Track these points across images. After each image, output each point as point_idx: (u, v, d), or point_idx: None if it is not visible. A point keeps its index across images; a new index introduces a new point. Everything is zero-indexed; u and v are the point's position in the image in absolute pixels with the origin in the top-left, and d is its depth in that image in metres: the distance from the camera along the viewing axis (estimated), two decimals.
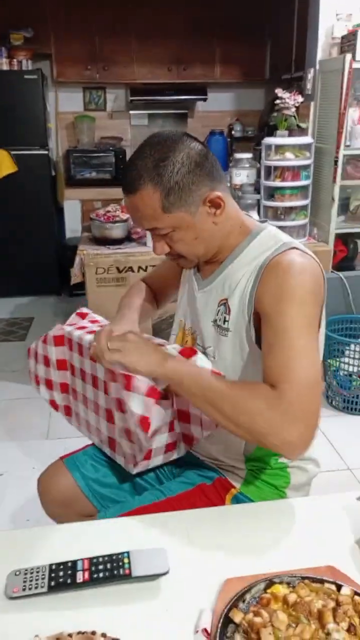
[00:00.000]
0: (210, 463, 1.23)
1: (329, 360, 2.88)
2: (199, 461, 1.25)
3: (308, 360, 0.94)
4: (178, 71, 4.67)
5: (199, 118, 5.13)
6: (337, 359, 2.87)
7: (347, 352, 2.85)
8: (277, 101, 3.00)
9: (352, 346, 2.82)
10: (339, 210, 3.09)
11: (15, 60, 4.22)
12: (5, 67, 4.20)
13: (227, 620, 0.74)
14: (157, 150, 1.02)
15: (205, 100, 4.86)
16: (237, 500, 1.16)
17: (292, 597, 0.76)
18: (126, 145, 4.93)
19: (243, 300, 1.07)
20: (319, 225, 3.21)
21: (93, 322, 1.32)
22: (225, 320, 1.10)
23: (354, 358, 2.81)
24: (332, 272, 3.06)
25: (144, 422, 1.02)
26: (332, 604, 0.75)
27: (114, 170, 4.63)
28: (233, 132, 5.00)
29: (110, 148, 4.69)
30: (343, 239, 3.24)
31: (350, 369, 2.84)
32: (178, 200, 1.02)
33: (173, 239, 1.08)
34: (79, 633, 0.70)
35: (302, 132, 3.07)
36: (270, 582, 0.80)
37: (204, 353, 1.15)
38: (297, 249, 1.05)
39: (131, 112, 4.98)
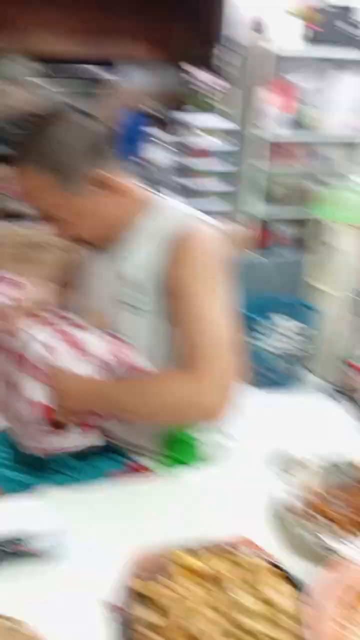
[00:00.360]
0: (121, 446, 1.19)
1: (245, 338, 2.92)
2: (109, 445, 1.21)
3: (218, 326, 0.95)
4: (90, 44, 4.52)
5: (111, 94, 4.99)
6: (254, 338, 2.92)
7: (262, 331, 2.91)
8: (194, 81, 2.98)
9: (268, 324, 2.88)
10: (261, 194, 3.12)
11: None
12: None
13: (134, 593, 0.71)
14: (40, 124, 1.00)
15: (118, 76, 4.74)
16: None
17: (201, 566, 0.74)
18: (31, 119, 4.72)
19: (152, 276, 1.03)
20: (240, 209, 3.23)
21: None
22: (138, 300, 1.06)
23: (270, 337, 2.87)
24: (251, 255, 3.10)
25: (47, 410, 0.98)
26: (241, 572, 0.74)
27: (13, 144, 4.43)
28: (147, 110, 4.90)
29: (17, 120, 4.47)
30: (264, 223, 3.29)
31: (266, 347, 2.90)
32: (57, 177, 0.97)
33: (53, 216, 1.03)
34: None
35: (220, 113, 3.07)
36: (178, 553, 0.78)
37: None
38: (200, 221, 1.04)
39: (36, 80, 4.76)
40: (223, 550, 0.79)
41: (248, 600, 0.69)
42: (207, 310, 0.96)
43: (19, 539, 0.79)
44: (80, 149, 0.98)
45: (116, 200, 1.05)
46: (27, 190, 1.01)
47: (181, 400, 0.94)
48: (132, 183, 1.10)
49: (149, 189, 1.15)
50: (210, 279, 0.98)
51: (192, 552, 0.78)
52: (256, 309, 3.08)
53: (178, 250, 1.00)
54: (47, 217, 1.05)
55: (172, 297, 1.00)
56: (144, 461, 1.16)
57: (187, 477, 1.05)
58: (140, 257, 1.05)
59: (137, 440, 1.16)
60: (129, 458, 1.17)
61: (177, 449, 1.15)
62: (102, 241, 1.12)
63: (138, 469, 1.15)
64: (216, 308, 0.96)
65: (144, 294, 1.05)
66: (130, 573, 0.74)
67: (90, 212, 1.04)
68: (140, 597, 0.71)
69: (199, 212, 1.08)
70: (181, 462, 1.15)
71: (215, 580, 0.72)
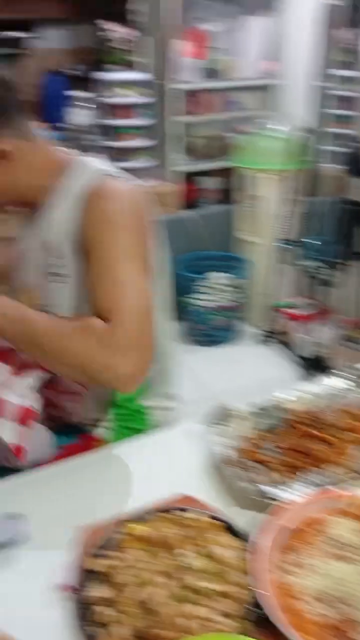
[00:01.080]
0: (74, 420, 1.18)
1: (181, 298, 2.94)
2: (62, 420, 1.20)
3: (134, 288, 0.92)
4: (3, 8, 4.25)
5: (31, 57, 4.76)
6: (191, 296, 2.94)
7: (199, 289, 2.93)
8: (110, 37, 2.87)
9: (203, 282, 2.90)
10: (182, 148, 3.08)
11: None
12: None
13: (85, 572, 0.72)
14: None
15: (37, 38, 4.50)
16: None
17: (148, 533, 0.76)
18: None
19: (69, 238, 1.00)
20: (164, 165, 3.19)
21: None
22: (59, 266, 1.03)
23: (205, 294, 2.90)
24: (180, 211, 3.09)
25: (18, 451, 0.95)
26: (187, 532, 0.76)
27: None
28: (68, 71, 4.72)
29: None
30: (188, 177, 3.27)
31: (204, 304, 2.92)
32: None
33: None
34: None
35: (139, 67, 2.99)
36: (124, 522, 0.79)
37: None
38: (112, 175, 1.01)
39: None
40: (167, 513, 0.80)
41: (195, 560, 0.71)
42: (121, 271, 0.92)
43: None
44: None
45: (27, 166, 1.01)
46: None
47: (93, 352, 0.87)
48: (47, 147, 1.06)
49: (68, 150, 1.11)
50: (124, 237, 0.94)
51: (138, 519, 0.79)
52: (189, 267, 3.09)
53: (90, 207, 0.97)
54: None
55: (87, 257, 0.97)
56: (98, 433, 1.16)
57: (129, 445, 1.05)
58: (58, 220, 1.02)
59: (89, 413, 1.15)
60: (83, 431, 1.16)
61: (129, 418, 1.16)
62: (25, 211, 1.08)
63: (93, 441, 1.15)
64: (131, 268, 0.93)
65: (63, 259, 1.02)
66: (80, 551, 0.75)
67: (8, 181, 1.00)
68: (93, 574, 0.72)
69: (117, 168, 1.05)
70: (135, 431, 1.16)
71: (163, 545, 0.74)
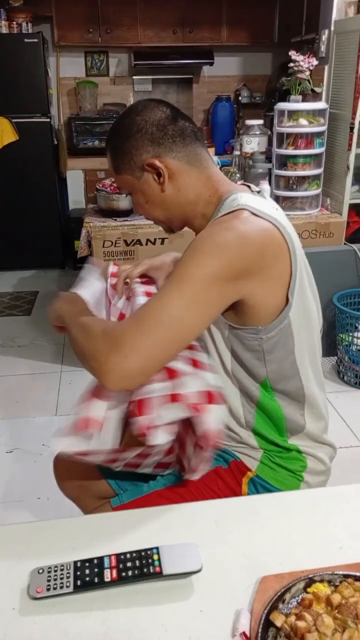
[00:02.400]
0: (224, 445, 1.18)
1: (340, 335, 2.82)
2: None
3: (165, 305, 0.90)
4: (183, 34, 4.49)
5: (204, 83, 4.96)
6: (350, 334, 2.81)
7: (359, 327, 2.79)
8: (290, 64, 2.87)
9: None
10: (353, 179, 2.98)
11: (14, 23, 4.05)
12: (4, 30, 4.04)
13: (267, 624, 0.69)
14: (121, 116, 1.09)
15: (211, 64, 4.68)
16: (253, 483, 1.12)
17: (337, 598, 0.71)
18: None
19: None
20: (332, 195, 3.11)
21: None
22: None
23: None
24: (345, 244, 2.98)
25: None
26: None
27: None
28: (240, 98, 4.84)
29: (114, 115, 4.54)
30: (357, 209, 3.15)
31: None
32: (122, 163, 1.07)
33: (132, 200, 1.13)
34: None
35: (316, 97, 2.95)
36: (310, 581, 0.75)
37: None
38: (248, 210, 0.98)
39: (134, 77, 4.82)
40: (357, 579, 0.75)
41: None
42: (169, 289, 0.92)
43: (147, 556, 0.78)
44: (139, 137, 1.04)
45: (182, 189, 1.07)
46: (111, 173, 1.12)
47: (85, 347, 0.93)
48: (212, 176, 1.09)
49: (233, 181, 1.15)
50: (196, 262, 0.92)
51: (325, 580, 0.75)
52: (352, 303, 2.97)
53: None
54: (140, 211, 1.14)
55: None
56: (247, 461, 1.15)
57: (303, 494, 1.01)
58: None
59: (242, 439, 1.14)
60: (232, 455, 1.16)
61: (280, 455, 1.13)
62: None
63: (241, 469, 1.14)
64: (179, 295, 0.90)
65: None
66: (266, 603, 0.72)
67: (157, 199, 1.08)
68: (273, 627, 0.69)
69: (267, 205, 1.03)
70: (286, 470, 1.12)
71: (357, 616, 0.69)
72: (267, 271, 0.97)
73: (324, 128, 2.88)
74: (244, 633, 0.70)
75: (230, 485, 1.13)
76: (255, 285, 0.96)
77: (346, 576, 0.75)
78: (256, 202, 1.01)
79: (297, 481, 1.13)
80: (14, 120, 4.13)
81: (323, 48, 3.17)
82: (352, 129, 2.86)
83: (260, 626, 0.69)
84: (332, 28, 3.05)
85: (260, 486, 1.12)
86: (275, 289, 1.00)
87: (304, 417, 1.12)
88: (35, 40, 4.02)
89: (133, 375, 0.89)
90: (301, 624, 0.67)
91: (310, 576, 0.75)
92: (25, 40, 4.03)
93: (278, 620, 0.69)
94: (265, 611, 0.71)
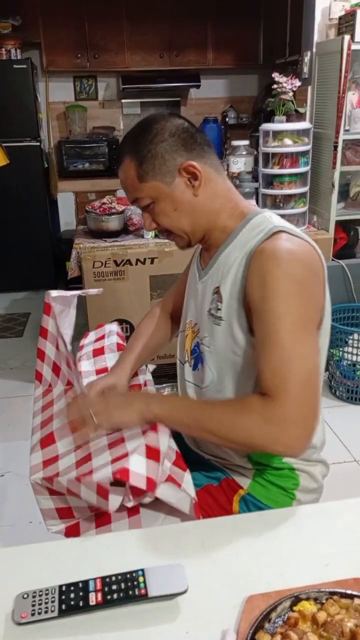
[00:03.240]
0: (216, 462, 1.18)
1: (331, 350, 2.83)
2: (204, 460, 1.20)
3: (300, 359, 0.90)
4: (170, 58, 4.58)
5: (192, 105, 5.04)
6: (340, 349, 2.82)
7: (350, 342, 2.81)
8: (274, 86, 2.92)
9: (355, 335, 2.77)
10: (338, 196, 3.02)
11: (3, 49, 4.12)
12: None
13: None
14: (140, 126, 1.06)
15: (198, 87, 4.77)
16: (245, 501, 1.12)
17: (322, 616, 0.71)
18: (119, 135, 4.84)
19: (234, 287, 1.03)
20: (319, 212, 3.14)
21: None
22: (218, 309, 1.07)
23: (357, 347, 2.76)
24: (332, 260, 3.01)
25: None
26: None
27: (107, 161, 4.55)
28: (227, 119, 4.92)
29: (103, 138, 4.60)
30: (343, 226, 3.18)
31: (354, 358, 2.79)
32: (151, 169, 1.03)
33: (155, 211, 1.07)
34: None
35: (300, 117, 3.00)
36: (296, 599, 0.75)
37: (202, 343, 1.13)
38: (286, 232, 0.99)
39: (123, 100, 4.89)
40: (343, 596, 0.75)
41: None
42: (287, 343, 0.91)
43: (133, 578, 0.78)
44: (172, 141, 1.03)
45: (211, 196, 1.06)
46: (126, 185, 1.07)
47: (256, 429, 0.90)
48: (232, 189, 1.11)
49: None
50: (290, 306, 0.93)
51: (310, 598, 0.75)
52: (341, 319, 2.98)
53: (256, 265, 0.98)
54: (153, 218, 1.09)
55: (250, 314, 0.98)
56: (239, 479, 1.14)
57: (291, 512, 1.01)
58: (229, 268, 1.05)
59: (234, 458, 1.14)
60: (224, 473, 1.16)
61: (273, 473, 1.13)
62: (207, 250, 1.14)
63: (231, 485, 1.14)
64: (298, 340, 0.91)
65: (222, 303, 1.06)
66: (251, 622, 0.71)
67: (188, 205, 1.06)
68: None
69: (285, 222, 1.04)
70: (279, 488, 1.12)
71: (342, 633, 0.69)
72: (320, 291, 1.02)
73: (308, 147, 2.93)
74: None
75: (220, 503, 1.12)
76: (318, 304, 1.02)
77: (332, 593, 0.75)
78: (283, 221, 1.05)
79: (289, 499, 1.12)
80: (4, 144, 4.16)
81: (306, 69, 3.24)
82: (335, 147, 2.90)
83: None
84: (314, 50, 3.12)
85: (251, 504, 1.12)
86: (320, 306, 1.03)
87: None
88: (24, 66, 4.08)
89: (313, 430, 0.91)
90: None
91: (296, 594, 0.75)
92: (15, 66, 4.09)
93: (264, 639, 0.69)
94: (251, 631, 0.70)
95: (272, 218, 1.05)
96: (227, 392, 1.09)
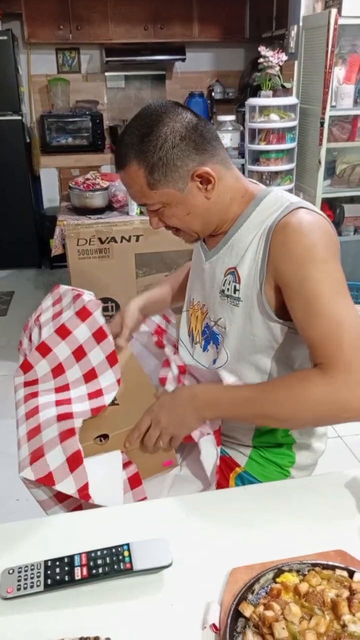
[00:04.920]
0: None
1: None
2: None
3: (349, 321, 0.90)
4: (155, 30, 4.49)
5: (177, 79, 4.96)
6: None
7: None
8: (260, 60, 2.88)
9: None
10: (325, 174, 3.01)
11: None
12: None
13: (236, 615, 0.70)
14: (143, 124, 0.98)
15: (183, 60, 4.69)
16: (241, 479, 1.13)
17: (304, 587, 0.72)
18: (102, 109, 4.76)
19: (253, 267, 1.02)
20: (305, 190, 3.13)
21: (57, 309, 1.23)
22: (235, 290, 1.05)
23: None
24: None
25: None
26: (345, 593, 0.71)
27: (90, 136, 4.48)
28: (213, 94, 4.85)
29: (87, 112, 4.52)
30: (329, 203, 3.18)
31: None
32: (163, 177, 0.98)
33: (165, 214, 1.04)
34: (81, 639, 0.66)
35: (287, 92, 2.97)
36: (279, 571, 0.76)
37: (216, 325, 1.11)
38: (304, 207, 0.99)
39: (107, 73, 4.79)
40: (325, 567, 0.76)
41: (358, 626, 0.67)
42: (335, 309, 0.91)
43: (118, 552, 0.79)
44: (183, 146, 0.97)
45: (223, 192, 1.03)
46: (133, 190, 1.02)
47: (323, 400, 0.89)
48: (239, 175, 1.08)
49: (252, 179, 1.14)
50: (327, 272, 0.93)
51: (293, 570, 0.76)
52: None
53: (282, 240, 0.96)
54: (162, 220, 1.06)
55: (290, 291, 0.96)
56: (236, 456, 1.15)
57: (277, 485, 1.02)
58: (245, 248, 1.03)
59: (232, 433, 1.15)
60: (221, 451, 1.16)
61: (273, 451, 1.14)
62: (213, 236, 1.12)
63: (230, 465, 1.15)
64: (343, 303, 0.92)
65: (240, 283, 1.04)
66: (235, 594, 0.73)
67: (200, 208, 1.02)
68: (242, 617, 0.70)
69: (302, 200, 1.03)
70: (276, 466, 1.13)
71: (321, 603, 0.70)
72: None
73: (295, 123, 2.90)
74: (213, 625, 0.71)
75: (217, 481, 1.12)
76: None
77: (314, 565, 0.77)
78: (297, 197, 1.04)
79: (283, 476, 1.14)
80: None
81: (292, 43, 3.20)
82: (322, 123, 2.88)
83: (230, 617, 0.70)
84: (301, 24, 3.08)
85: (247, 482, 1.13)
86: None
87: None
88: (5, 37, 3.97)
89: None
90: (269, 613, 0.68)
91: (279, 566, 0.76)
92: None
93: (247, 610, 0.70)
94: (235, 602, 0.71)
95: (285, 195, 1.04)
96: (243, 372, 1.08)
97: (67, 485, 0.91)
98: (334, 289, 0.92)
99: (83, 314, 1.14)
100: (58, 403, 1.03)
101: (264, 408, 0.95)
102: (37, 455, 0.94)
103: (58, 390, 1.09)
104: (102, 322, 1.11)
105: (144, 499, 1.02)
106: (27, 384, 1.15)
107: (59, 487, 0.91)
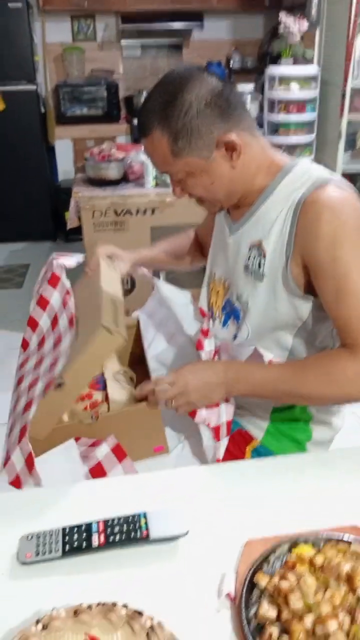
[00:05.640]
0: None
1: None
2: None
3: None
4: (174, 1, 4.37)
5: (194, 48, 4.84)
6: None
7: None
8: (281, 28, 2.80)
9: None
10: (345, 146, 2.95)
11: None
12: None
13: (251, 585, 0.71)
14: (167, 90, 0.95)
15: (201, 28, 4.57)
16: (257, 452, 1.13)
17: (320, 559, 0.72)
18: (118, 79, 4.68)
19: (279, 242, 0.99)
20: (325, 163, 3.06)
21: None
22: (260, 265, 1.03)
23: None
24: None
25: None
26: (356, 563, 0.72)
27: (106, 106, 4.41)
28: (231, 63, 4.74)
29: (102, 82, 4.45)
30: (349, 176, 3.11)
31: None
32: (187, 144, 0.95)
33: (188, 184, 1.01)
34: (98, 604, 0.67)
35: (307, 61, 2.89)
36: (294, 543, 0.76)
37: (238, 300, 1.09)
38: (333, 183, 0.96)
39: (123, 42, 4.69)
40: (340, 541, 0.76)
41: None
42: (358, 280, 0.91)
43: (135, 521, 0.80)
44: (209, 112, 0.94)
45: (249, 161, 1.00)
46: (156, 158, 1.00)
47: (353, 379, 0.91)
48: (267, 146, 1.05)
49: (279, 151, 1.10)
50: (356, 253, 0.92)
51: (309, 543, 0.76)
52: None
53: (310, 216, 0.94)
54: (185, 189, 1.03)
55: (318, 270, 0.95)
56: (253, 430, 1.15)
57: (295, 459, 1.02)
58: (271, 222, 1.01)
59: (250, 407, 1.15)
60: (237, 424, 1.17)
61: (289, 425, 1.14)
62: (238, 207, 1.09)
63: (245, 438, 1.15)
64: None
65: (265, 258, 1.02)
66: (250, 565, 0.73)
67: (226, 177, 1.00)
68: (257, 588, 0.71)
69: (327, 170, 1.01)
70: (292, 440, 1.13)
71: (336, 576, 0.70)
72: None
73: (315, 94, 2.84)
74: (228, 594, 0.71)
75: (234, 454, 1.13)
76: None
77: (329, 539, 0.77)
78: (325, 170, 1.02)
79: (300, 451, 1.14)
80: None
81: (314, 12, 3.10)
82: (344, 95, 2.81)
83: (245, 587, 0.70)
84: None
85: (264, 455, 1.13)
86: None
87: None
88: (20, 5, 3.90)
89: None
90: (284, 584, 0.69)
91: (294, 538, 0.77)
92: (9, 5, 3.90)
93: (262, 581, 0.71)
94: (250, 572, 0.72)
95: (312, 168, 1.01)
96: (264, 348, 1.06)
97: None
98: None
99: (53, 280, 1.15)
100: (30, 386, 1.03)
101: (293, 386, 0.95)
102: (7, 456, 0.95)
103: (36, 366, 1.08)
104: (68, 285, 1.12)
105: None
106: (21, 365, 1.15)
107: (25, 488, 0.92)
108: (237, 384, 0.99)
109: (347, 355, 0.92)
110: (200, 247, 1.40)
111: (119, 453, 0.99)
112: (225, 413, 1.03)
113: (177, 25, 4.52)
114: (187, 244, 1.40)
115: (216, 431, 1.00)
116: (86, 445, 1.00)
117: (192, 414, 1.00)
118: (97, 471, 0.97)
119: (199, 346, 1.13)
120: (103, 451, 0.97)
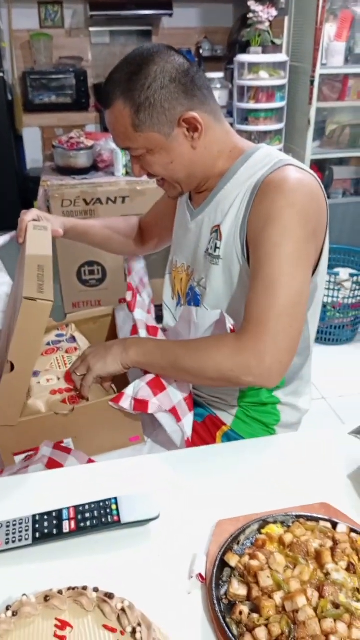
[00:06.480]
0: (201, 401, 1.19)
1: None
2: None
3: (286, 291, 0.90)
4: None
5: (164, 36, 4.80)
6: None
7: (328, 286, 2.83)
8: (250, 15, 2.79)
9: (327, 277, 2.79)
10: (314, 134, 2.96)
11: None
12: None
13: (222, 564, 0.71)
14: (133, 62, 0.94)
15: (170, 15, 4.52)
16: (227, 437, 1.14)
17: (288, 538, 0.74)
18: (87, 66, 4.61)
19: (235, 224, 0.99)
20: (294, 151, 3.09)
21: None
22: (216, 248, 1.03)
23: (328, 289, 2.79)
24: None
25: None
26: (329, 543, 0.73)
27: (74, 94, 4.35)
28: (201, 51, 4.72)
29: (70, 69, 4.38)
30: (319, 165, 3.14)
31: (325, 299, 2.82)
32: (149, 118, 0.94)
33: (148, 161, 1.00)
34: (69, 589, 0.67)
35: (276, 49, 2.89)
36: (264, 522, 0.77)
37: (198, 285, 1.09)
38: (293, 165, 0.96)
39: (91, 29, 4.62)
40: (309, 519, 0.78)
41: (338, 574, 0.68)
42: (278, 273, 0.90)
43: (106, 506, 0.79)
44: (172, 88, 0.93)
45: (209, 145, 1.00)
46: (117, 131, 0.98)
47: (228, 361, 0.91)
48: (230, 130, 1.05)
49: (241, 135, 1.10)
50: (289, 237, 0.91)
51: (278, 522, 0.77)
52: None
53: (260, 197, 0.94)
54: (145, 169, 1.03)
55: (253, 249, 0.95)
56: (223, 416, 1.16)
57: (264, 441, 1.03)
58: (230, 206, 1.01)
59: (217, 395, 1.16)
60: (207, 410, 1.17)
61: (257, 409, 1.15)
62: (199, 193, 1.09)
63: (216, 424, 1.16)
64: (289, 272, 0.90)
65: (221, 241, 1.02)
66: (221, 545, 0.74)
67: (186, 158, 1.00)
68: (227, 567, 0.71)
69: (293, 158, 1.01)
70: (261, 424, 1.15)
71: (307, 553, 0.72)
72: (322, 228, 0.99)
73: (284, 81, 2.84)
74: (200, 574, 0.72)
75: (204, 439, 1.14)
76: (318, 243, 0.98)
77: (299, 517, 0.78)
78: (287, 155, 1.01)
79: (269, 434, 1.15)
80: None
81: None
82: (312, 82, 2.82)
83: (215, 567, 0.71)
84: None
85: (233, 439, 1.14)
86: (319, 245, 1.00)
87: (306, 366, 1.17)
88: None
89: (287, 362, 0.92)
90: (254, 562, 0.70)
91: (263, 518, 0.78)
92: None
93: (232, 560, 0.71)
94: (220, 552, 0.73)
95: (274, 152, 1.02)
96: None
97: None
98: (288, 257, 0.90)
99: None
100: None
101: (178, 359, 0.96)
102: None
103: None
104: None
105: (90, 461, 1.00)
106: None
107: None
108: (131, 348, 1.01)
109: (231, 338, 0.92)
110: (140, 236, 1.40)
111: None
112: (178, 391, 1.02)
113: (146, 12, 4.47)
114: (125, 226, 1.39)
115: (174, 412, 1.00)
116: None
117: (145, 408, 0.97)
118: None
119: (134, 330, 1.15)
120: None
